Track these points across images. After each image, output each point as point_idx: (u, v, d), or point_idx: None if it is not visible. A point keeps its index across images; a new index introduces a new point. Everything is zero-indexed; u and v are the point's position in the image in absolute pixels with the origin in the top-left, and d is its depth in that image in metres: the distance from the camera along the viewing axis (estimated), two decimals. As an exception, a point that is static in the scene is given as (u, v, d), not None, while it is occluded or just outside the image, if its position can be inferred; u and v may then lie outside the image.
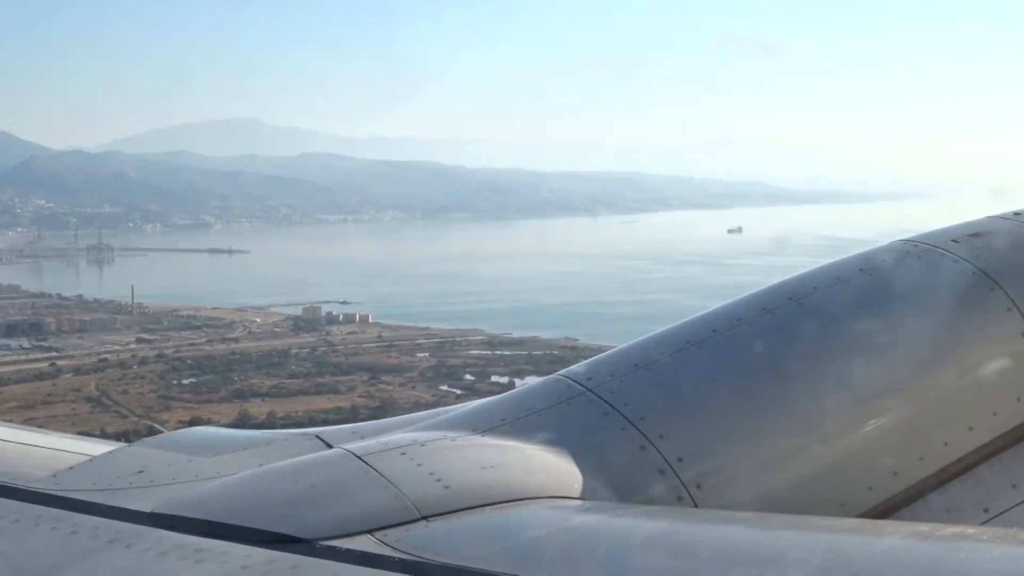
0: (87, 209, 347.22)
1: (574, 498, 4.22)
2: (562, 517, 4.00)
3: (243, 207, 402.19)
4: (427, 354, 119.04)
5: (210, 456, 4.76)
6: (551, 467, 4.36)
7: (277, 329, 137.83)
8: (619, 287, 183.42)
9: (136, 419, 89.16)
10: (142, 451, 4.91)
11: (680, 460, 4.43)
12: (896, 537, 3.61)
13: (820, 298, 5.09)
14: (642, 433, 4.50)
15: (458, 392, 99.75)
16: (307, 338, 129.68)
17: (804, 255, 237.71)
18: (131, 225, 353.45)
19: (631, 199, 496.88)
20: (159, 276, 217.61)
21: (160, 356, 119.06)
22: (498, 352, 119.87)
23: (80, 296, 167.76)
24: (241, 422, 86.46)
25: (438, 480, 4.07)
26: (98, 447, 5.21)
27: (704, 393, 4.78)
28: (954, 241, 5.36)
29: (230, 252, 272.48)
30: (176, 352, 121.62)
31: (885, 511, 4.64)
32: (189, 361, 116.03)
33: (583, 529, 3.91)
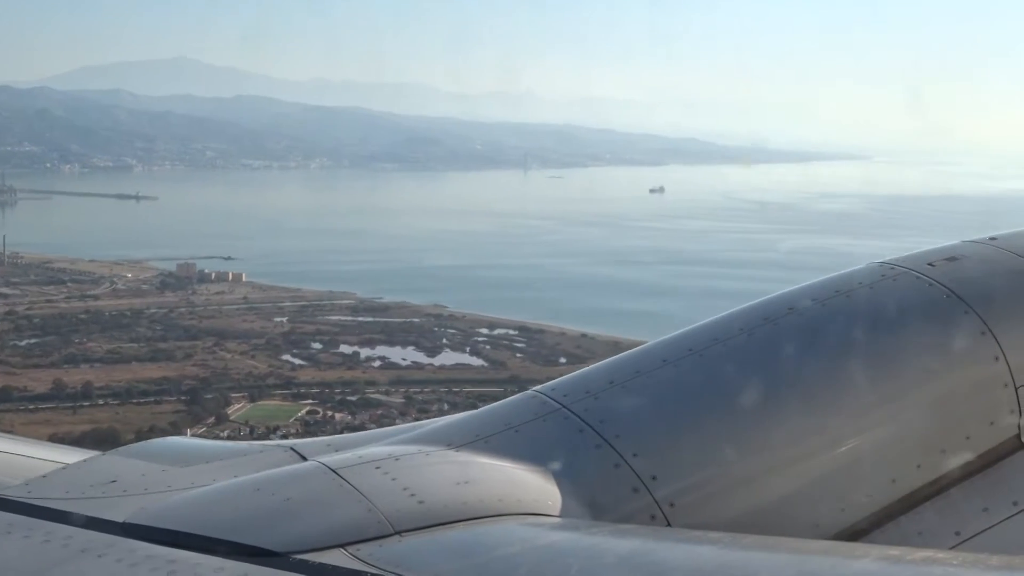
0: (5, 148, 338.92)
1: (548, 515, 4.27)
2: (536, 534, 4.04)
3: (167, 149, 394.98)
4: (286, 319, 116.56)
5: (184, 466, 4.71)
6: (526, 484, 4.39)
7: (144, 286, 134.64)
8: (511, 249, 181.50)
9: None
10: (116, 460, 4.84)
11: (654, 478, 4.48)
12: (868, 560, 3.65)
13: (796, 319, 5.12)
14: (616, 451, 4.54)
15: (298, 362, 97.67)
16: (170, 297, 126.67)
17: (713, 219, 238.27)
18: (48, 166, 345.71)
19: (564, 153, 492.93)
20: (53, 222, 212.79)
21: (9, 313, 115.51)
22: (359, 318, 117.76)
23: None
24: (55, 392, 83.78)
25: (412, 495, 4.10)
26: (72, 455, 5.16)
27: (679, 412, 4.80)
28: (930, 265, 5.39)
29: (137, 198, 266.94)
30: (28, 309, 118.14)
31: (857, 533, 4.69)
32: (36, 320, 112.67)
33: (556, 547, 3.94)
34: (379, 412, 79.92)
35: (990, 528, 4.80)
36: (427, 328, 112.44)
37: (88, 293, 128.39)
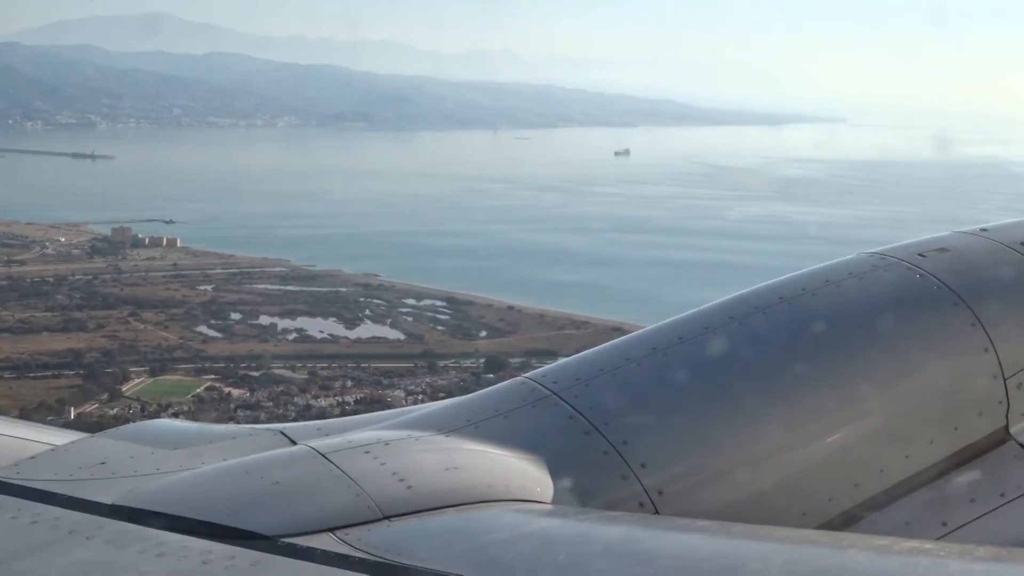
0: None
1: (537, 501, 4.31)
2: (524, 521, 4.08)
3: (134, 107, 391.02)
4: (211, 287, 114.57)
5: (173, 449, 4.73)
6: (514, 470, 4.43)
7: (75, 251, 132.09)
8: (462, 214, 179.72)
9: None
10: (105, 442, 4.86)
11: (643, 466, 4.52)
12: (855, 550, 3.70)
13: (786, 309, 5.18)
14: (606, 438, 4.57)
15: (212, 334, 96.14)
16: (98, 263, 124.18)
17: (671, 184, 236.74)
18: (10, 123, 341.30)
19: (537, 114, 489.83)
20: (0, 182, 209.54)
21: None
22: (287, 287, 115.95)
23: None
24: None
25: (401, 480, 4.14)
26: (61, 437, 5.14)
27: (668, 400, 4.84)
28: (920, 255, 5.42)
29: (92, 157, 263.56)
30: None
31: (845, 522, 4.73)
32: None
33: (544, 533, 3.97)
34: (279, 389, 78.38)
35: (977, 519, 4.81)
36: (352, 298, 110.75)
37: (15, 258, 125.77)
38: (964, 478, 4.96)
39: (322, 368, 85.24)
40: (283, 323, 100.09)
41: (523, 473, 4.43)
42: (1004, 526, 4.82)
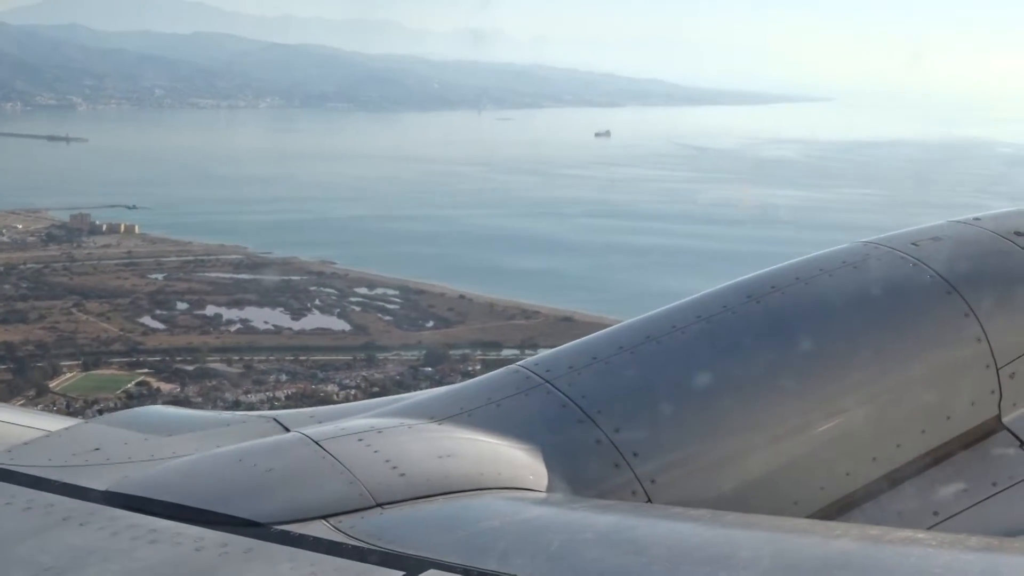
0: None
1: (529, 489, 4.34)
2: (516, 509, 4.08)
3: (116, 88, 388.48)
4: (163, 276, 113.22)
5: (167, 436, 4.76)
6: (507, 458, 4.45)
7: (31, 239, 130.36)
8: (430, 198, 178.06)
9: None
10: (99, 428, 4.91)
11: (635, 455, 4.55)
12: (847, 539, 3.78)
13: (779, 297, 5.19)
14: (598, 427, 4.61)
15: (154, 326, 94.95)
16: (52, 251, 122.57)
17: (647, 166, 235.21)
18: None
19: (523, 94, 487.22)
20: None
21: None
22: (238, 276, 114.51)
23: None
24: None
25: (394, 468, 4.17)
26: (55, 423, 5.14)
27: (661, 389, 4.84)
28: (914, 244, 5.46)
29: (67, 140, 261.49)
30: None
31: (837, 511, 4.75)
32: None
33: (536, 521, 4.00)
34: (212, 384, 77.26)
35: (969, 508, 4.82)
36: (303, 287, 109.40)
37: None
38: (956, 467, 4.95)
39: (260, 361, 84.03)
40: (230, 313, 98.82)
41: (516, 461, 4.43)
42: (996, 515, 4.79)
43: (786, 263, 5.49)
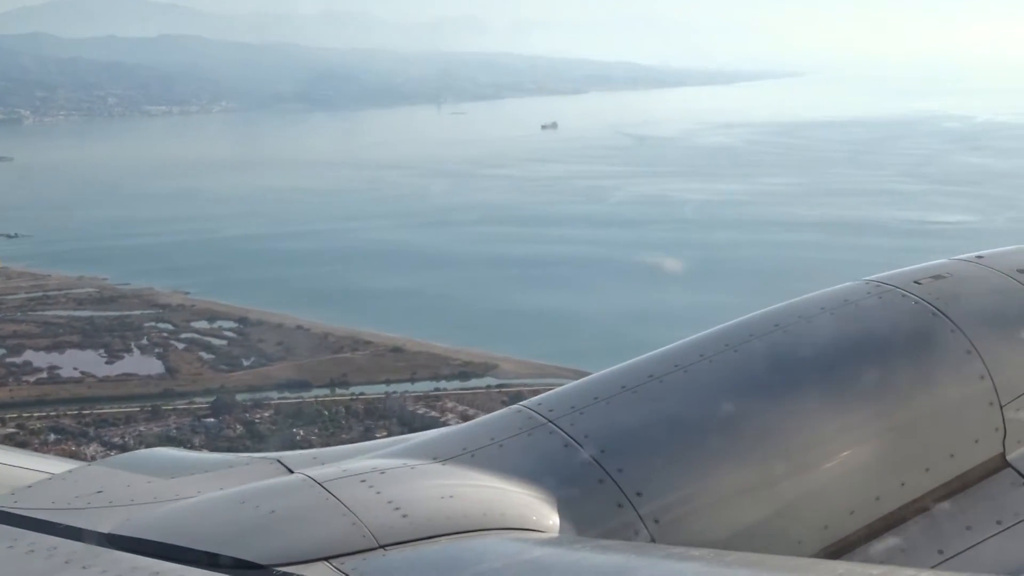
0: None
1: (533, 530, 4.34)
2: (519, 549, 4.11)
3: (68, 98, 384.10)
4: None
5: (170, 478, 4.75)
6: (510, 498, 4.47)
7: None
8: (332, 210, 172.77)
9: None
10: (102, 471, 4.89)
11: (639, 495, 4.56)
12: None
13: (781, 336, 5.22)
14: (601, 467, 4.62)
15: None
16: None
17: (576, 161, 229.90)
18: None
19: (486, 84, 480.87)
20: None
21: None
22: (79, 312, 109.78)
23: None
24: None
25: (397, 509, 4.18)
26: (58, 465, 5.20)
27: (664, 428, 4.85)
28: (916, 283, 5.50)
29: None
30: None
31: (841, 550, 4.75)
32: None
33: (540, 562, 4.00)
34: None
35: (973, 546, 4.81)
36: (138, 324, 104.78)
37: None
38: (961, 506, 4.90)
39: (39, 417, 79.57)
40: (44, 359, 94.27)
41: (519, 502, 4.40)
42: (1001, 554, 4.77)
43: (788, 302, 5.46)
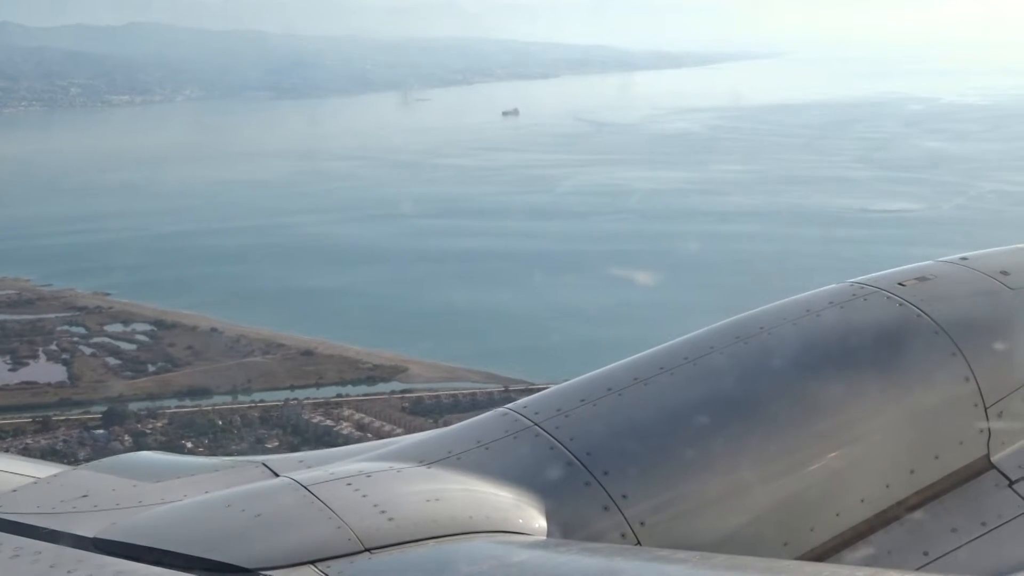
0: None
1: (518, 533, 4.36)
2: (505, 552, 4.14)
3: (30, 89, 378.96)
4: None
5: (155, 482, 4.76)
6: (496, 501, 4.49)
7: None
8: (275, 203, 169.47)
9: None
10: (87, 475, 4.88)
11: (625, 497, 4.58)
12: None
13: (766, 339, 5.24)
14: (587, 469, 4.64)
15: None
16: None
17: (529, 150, 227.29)
18: None
19: (455, 70, 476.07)
20: None
21: None
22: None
23: None
24: None
25: (382, 512, 4.19)
26: (43, 469, 5.16)
27: (650, 431, 4.87)
28: (900, 284, 5.52)
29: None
30: None
31: (827, 552, 4.77)
32: None
33: (525, 565, 4.01)
34: None
35: (959, 548, 4.84)
36: (50, 328, 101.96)
37: None
38: (946, 507, 4.90)
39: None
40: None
41: (504, 504, 4.41)
42: (986, 555, 4.79)
43: (773, 304, 5.46)
